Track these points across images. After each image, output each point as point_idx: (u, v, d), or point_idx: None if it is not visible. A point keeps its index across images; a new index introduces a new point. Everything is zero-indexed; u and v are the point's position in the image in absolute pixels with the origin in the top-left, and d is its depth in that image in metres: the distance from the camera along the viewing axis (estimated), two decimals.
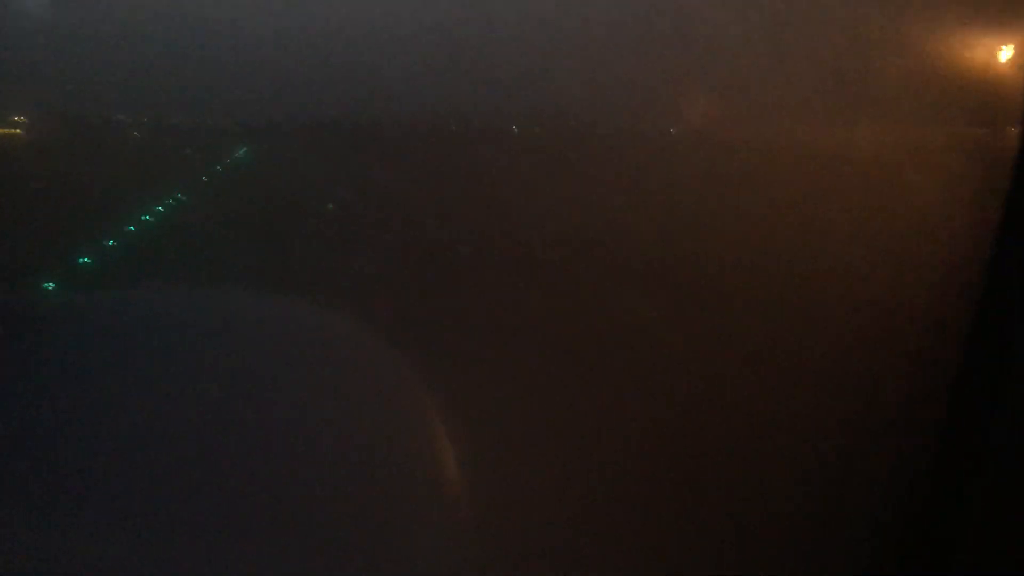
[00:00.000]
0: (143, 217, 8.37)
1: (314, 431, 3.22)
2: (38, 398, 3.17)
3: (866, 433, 3.65)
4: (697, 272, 6.34)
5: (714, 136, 8.01)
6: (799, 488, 3.69)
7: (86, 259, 7.19)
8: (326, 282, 6.54)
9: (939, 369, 2.98)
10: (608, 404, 4.61)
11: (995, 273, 2.76)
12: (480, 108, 9.13)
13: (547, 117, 9.20)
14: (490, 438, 3.86)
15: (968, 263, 2.94)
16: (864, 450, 3.59)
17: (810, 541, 3.37)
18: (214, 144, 9.86)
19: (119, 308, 4.02)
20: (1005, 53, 3.78)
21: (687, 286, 6.12)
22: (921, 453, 2.94)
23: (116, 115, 9.12)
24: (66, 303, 4.63)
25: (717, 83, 8.31)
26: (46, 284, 6.25)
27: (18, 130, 8.63)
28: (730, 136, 7.99)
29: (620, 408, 4.60)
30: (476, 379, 4.56)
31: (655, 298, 6.05)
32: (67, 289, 6.18)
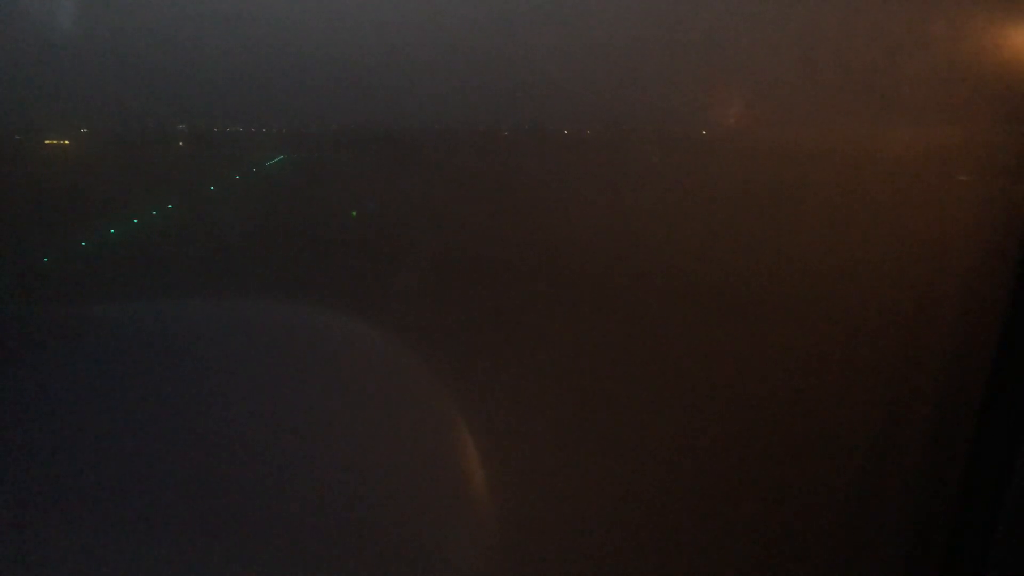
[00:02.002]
0: (170, 211, 8.53)
1: (344, 442, 3.26)
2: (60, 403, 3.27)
3: (896, 442, 3.60)
4: (724, 276, 6.29)
5: (745, 139, 7.95)
6: (827, 498, 3.65)
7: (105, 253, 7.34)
8: (365, 290, 6.59)
9: (967, 378, 2.94)
10: (646, 406, 4.60)
11: None
12: (520, 115, 9.14)
13: (591, 120, 9.17)
14: (529, 456, 3.86)
15: (1000, 268, 2.89)
16: (894, 458, 3.54)
17: (837, 552, 3.34)
18: (251, 151, 10.04)
19: (152, 315, 4.13)
20: None
21: (713, 291, 6.08)
22: (950, 463, 2.90)
23: (175, 125, 9.30)
24: (104, 308, 4.77)
25: (748, 86, 8.24)
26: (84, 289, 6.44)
27: (67, 141, 8.90)
28: (760, 139, 7.92)
29: (653, 410, 4.59)
30: (513, 389, 4.56)
31: (688, 304, 6.02)
32: (103, 295, 6.34)
